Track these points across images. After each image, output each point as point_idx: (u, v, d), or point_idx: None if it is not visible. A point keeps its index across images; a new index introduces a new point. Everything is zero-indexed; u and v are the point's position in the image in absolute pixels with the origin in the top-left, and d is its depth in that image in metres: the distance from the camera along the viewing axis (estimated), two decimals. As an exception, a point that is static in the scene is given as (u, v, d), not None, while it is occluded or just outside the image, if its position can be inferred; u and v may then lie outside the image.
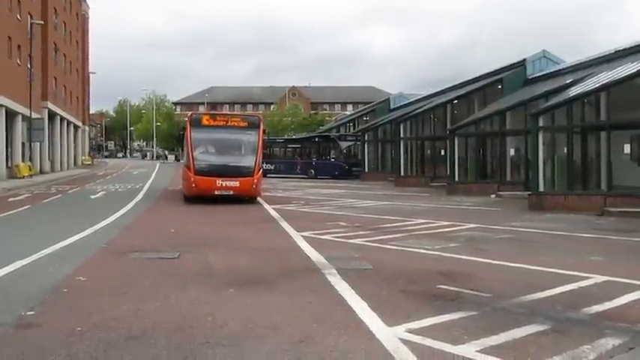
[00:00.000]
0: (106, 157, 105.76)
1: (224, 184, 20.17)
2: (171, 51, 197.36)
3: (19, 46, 39.26)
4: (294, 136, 53.05)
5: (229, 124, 21.62)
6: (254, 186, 20.64)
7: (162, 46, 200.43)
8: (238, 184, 20.29)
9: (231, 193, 20.29)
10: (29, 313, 6.46)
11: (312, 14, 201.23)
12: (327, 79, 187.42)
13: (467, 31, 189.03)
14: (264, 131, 21.66)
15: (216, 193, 20.15)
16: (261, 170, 21.69)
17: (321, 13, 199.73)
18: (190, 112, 21.60)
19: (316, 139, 46.41)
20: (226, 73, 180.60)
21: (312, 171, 42.81)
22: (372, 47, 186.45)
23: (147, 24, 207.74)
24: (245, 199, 20.94)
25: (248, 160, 20.99)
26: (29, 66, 40.72)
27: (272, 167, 44.01)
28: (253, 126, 21.50)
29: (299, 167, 43.88)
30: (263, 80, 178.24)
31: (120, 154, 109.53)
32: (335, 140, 43.67)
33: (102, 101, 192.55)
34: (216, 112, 25.15)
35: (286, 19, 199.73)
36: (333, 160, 42.49)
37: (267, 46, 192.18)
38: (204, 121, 21.64)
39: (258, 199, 23.05)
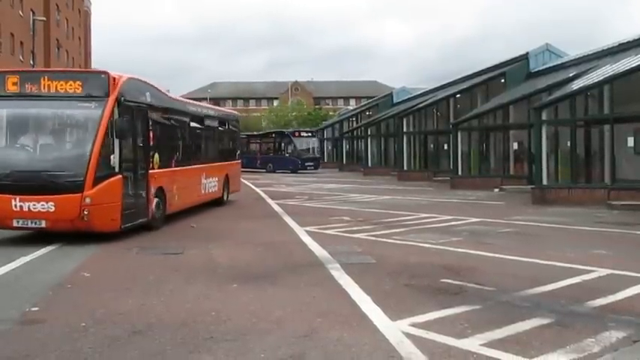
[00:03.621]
0: None
1: (28, 208, 10.69)
2: (179, 46, 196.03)
3: (21, 43, 39.32)
4: (255, 132, 54.77)
5: (52, 90, 11.50)
6: (86, 211, 10.72)
7: (170, 42, 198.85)
8: (54, 208, 10.66)
9: (43, 225, 10.85)
10: (33, 309, 6.48)
11: (325, 7, 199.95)
12: (338, 74, 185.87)
13: (480, 24, 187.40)
14: (117, 101, 11.32)
15: (14, 224, 10.92)
16: (122, 178, 11.44)
17: (335, 6, 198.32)
18: None
19: (273, 135, 48.06)
20: (236, 68, 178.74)
21: (271, 165, 44.62)
22: (384, 41, 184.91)
23: (154, 20, 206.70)
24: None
25: (76, 160, 11.07)
26: (32, 62, 40.73)
27: None
28: (96, 92, 11.41)
29: (259, 162, 45.54)
30: (274, 74, 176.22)
31: None
32: (289, 136, 45.28)
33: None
34: (32, 70, 15.01)
35: (299, 12, 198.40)
36: (287, 155, 44.12)
37: (279, 41, 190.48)
38: (9, 86, 11.58)
39: (261, 193, 22.98)
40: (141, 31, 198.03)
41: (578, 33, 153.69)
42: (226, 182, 19.07)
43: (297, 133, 46.36)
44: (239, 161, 21.69)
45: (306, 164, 43.62)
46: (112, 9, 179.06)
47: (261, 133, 53.35)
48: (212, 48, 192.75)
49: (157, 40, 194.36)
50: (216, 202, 18.23)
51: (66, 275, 8.27)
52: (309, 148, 45.48)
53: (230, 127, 20.84)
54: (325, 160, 55.24)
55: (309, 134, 47.39)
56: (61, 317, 6.13)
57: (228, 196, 19.31)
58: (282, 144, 44.86)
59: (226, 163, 19.47)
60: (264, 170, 44.14)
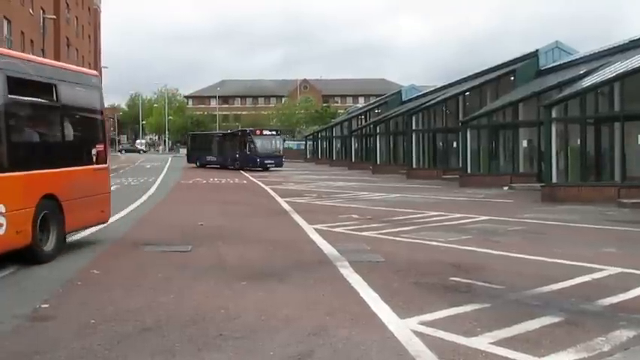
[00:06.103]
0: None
1: None
2: (191, 44, 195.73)
3: (31, 41, 39.50)
4: (229, 131, 55.87)
5: None
6: None
7: (182, 40, 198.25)
8: None
9: None
10: (44, 305, 6.52)
11: (338, 5, 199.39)
12: (352, 71, 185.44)
13: (494, 22, 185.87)
14: None
15: None
16: None
17: (349, 4, 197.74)
18: None
19: (239, 134, 48.94)
20: (249, 66, 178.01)
21: (238, 163, 45.73)
22: (398, 39, 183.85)
23: (166, 18, 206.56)
24: None
25: None
26: (42, 61, 40.91)
27: (214, 159, 49.18)
28: None
29: (229, 159, 47.08)
30: (287, 72, 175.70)
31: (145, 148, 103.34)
32: (250, 135, 46.16)
33: (116, 95, 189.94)
34: None
35: (312, 10, 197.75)
36: (249, 153, 45.08)
37: (292, 38, 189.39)
38: None
39: (270, 191, 23.01)
40: (152, 29, 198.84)
41: (598, 29, 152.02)
42: (53, 212, 9.26)
43: (258, 132, 47.17)
44: (103, 166, 11.37)
45: (266, 162, 44.70)
46: (122, 7, 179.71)
47: (230, 132, 54.43)
48: (225, 46, 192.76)
49: (169, 38, 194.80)
50: (20, 257, 8.60)
51: (76, 272, 8.30)
52: (271, 147, 46.14)
53: (68, 97, 10.21)
54: (334, 159, 55.26)
55: (273, 133, 48.30)
56: (71, 314, 6.16)
57: (61, 241, 9.51)
58: (245, 142, 45.78)
59: (51, 171, 9.41)
60: (232, 167, 45.56)
